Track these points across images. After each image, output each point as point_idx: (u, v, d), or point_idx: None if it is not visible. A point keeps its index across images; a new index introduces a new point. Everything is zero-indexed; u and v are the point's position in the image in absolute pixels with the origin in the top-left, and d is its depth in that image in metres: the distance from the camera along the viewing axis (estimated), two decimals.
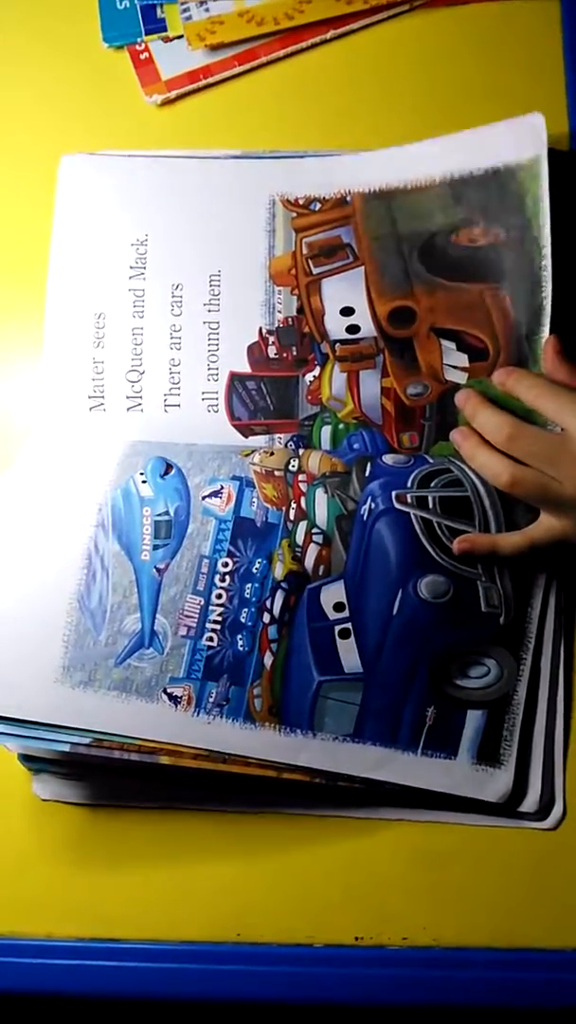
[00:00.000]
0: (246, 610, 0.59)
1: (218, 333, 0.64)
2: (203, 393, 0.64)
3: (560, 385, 0.59)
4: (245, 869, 0.58)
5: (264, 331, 0.64)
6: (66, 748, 0.56)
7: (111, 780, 0.60)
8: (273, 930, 0.58)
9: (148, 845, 0.59)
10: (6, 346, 0.67)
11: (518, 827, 0.57)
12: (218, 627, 0.59)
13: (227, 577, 0.59)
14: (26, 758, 0.60)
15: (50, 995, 0.58)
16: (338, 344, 0.63)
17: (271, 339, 0.64)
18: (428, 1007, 0.56)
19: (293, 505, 0.61)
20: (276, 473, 0.62)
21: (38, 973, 0.58)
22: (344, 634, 0.59)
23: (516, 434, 0.58)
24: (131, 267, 0.65)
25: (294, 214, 0.65)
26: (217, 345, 0.64)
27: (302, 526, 0.60)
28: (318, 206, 0.65)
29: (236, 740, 0.57)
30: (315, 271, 0.64)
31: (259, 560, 0.60)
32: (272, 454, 0.62)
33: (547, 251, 0.60)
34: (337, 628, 0.59)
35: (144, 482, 0.62)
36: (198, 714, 0.57)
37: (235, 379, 0.64)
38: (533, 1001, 0.56)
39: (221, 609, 0.59)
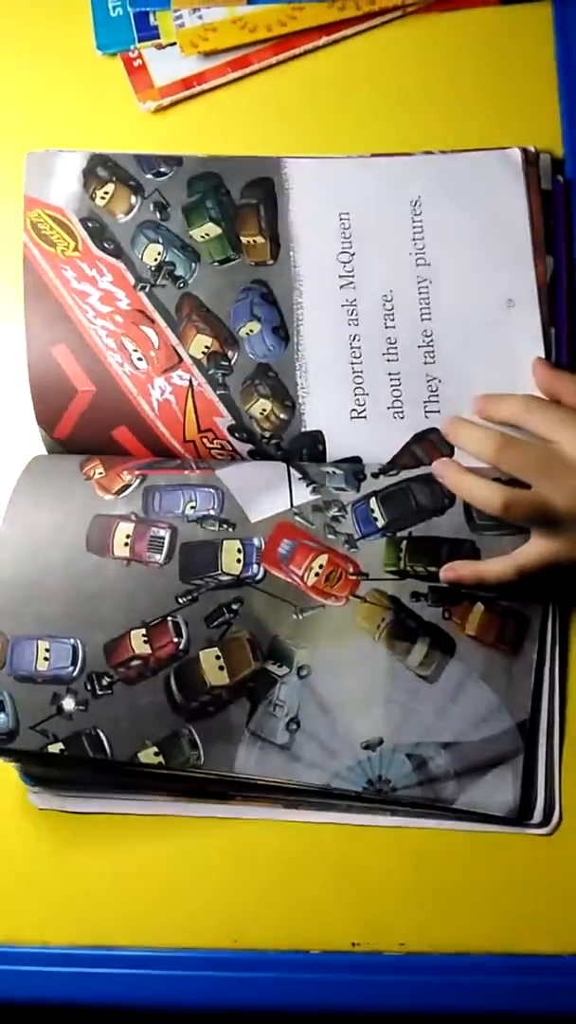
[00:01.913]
0: None
1: None
2: None
3: (540, 400, 0.58)
4: (242, 875, 0.58)
5: None
6: None
7: (106, 786, 0.60)
8: (270, 936, 0.57)
9: (144, 852, 0.59)
10: None
11: (515, 833, 0.57)
12: None
13: None
14: (26, 774, 0.59)
15: (45, 1003, 0.58)
16: None
17: None
18: (425, 1013, 0.56)
19: None
20: None
21: (33, 981, 0.58)
22: None
23: (506, 445, 0.56)
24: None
25: None
26: None
27: None
28: None
29: None
30: None
31: None
32: None
33: None
34: None
35: None
36: None
37: None
38: (531, 1007, 0.56)
39: None
